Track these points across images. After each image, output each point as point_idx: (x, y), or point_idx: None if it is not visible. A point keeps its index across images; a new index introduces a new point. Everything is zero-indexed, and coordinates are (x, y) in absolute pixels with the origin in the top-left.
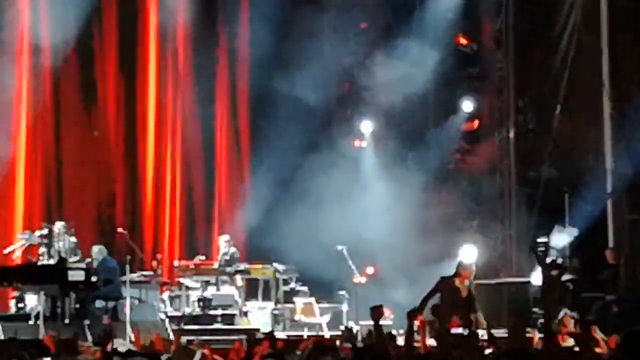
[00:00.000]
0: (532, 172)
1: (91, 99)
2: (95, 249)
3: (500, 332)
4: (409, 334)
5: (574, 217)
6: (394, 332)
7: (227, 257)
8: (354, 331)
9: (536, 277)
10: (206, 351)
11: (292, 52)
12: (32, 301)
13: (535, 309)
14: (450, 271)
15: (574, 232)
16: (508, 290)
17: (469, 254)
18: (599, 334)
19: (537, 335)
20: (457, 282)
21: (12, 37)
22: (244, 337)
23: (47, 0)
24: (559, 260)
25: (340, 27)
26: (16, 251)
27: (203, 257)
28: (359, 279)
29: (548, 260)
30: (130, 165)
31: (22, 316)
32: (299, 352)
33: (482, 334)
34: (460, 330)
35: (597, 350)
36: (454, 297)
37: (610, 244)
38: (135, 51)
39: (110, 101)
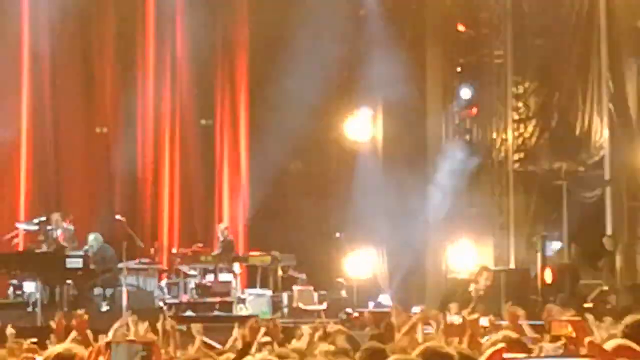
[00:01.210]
0: (531, 160)
1: (90, 87)
2: (91, 236)
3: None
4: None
5: (571, 206)
6: (393, 320)
7: (225, 245)
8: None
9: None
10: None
11: (292, 41)
12: (30, 288)
13: (534, 297)
14: (448, 260)
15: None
16: (506, 279)
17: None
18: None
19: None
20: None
21: (12, 27)
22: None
23: None
24: None
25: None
26: (15, 239)
27: (201, 245)
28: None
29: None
30: (129, 153)
31: (20, 304)
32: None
33: (483, 321)
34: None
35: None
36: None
37: (609, 231)
38: (135, 40)
39: (108, 90)
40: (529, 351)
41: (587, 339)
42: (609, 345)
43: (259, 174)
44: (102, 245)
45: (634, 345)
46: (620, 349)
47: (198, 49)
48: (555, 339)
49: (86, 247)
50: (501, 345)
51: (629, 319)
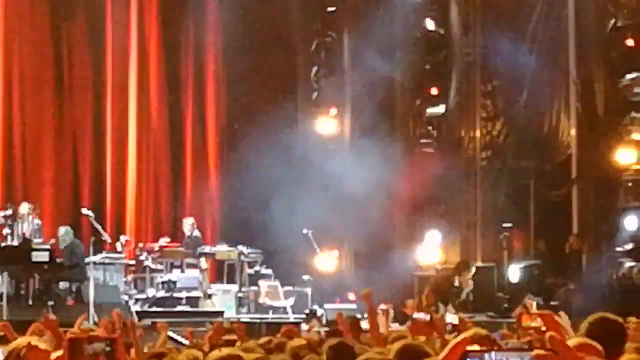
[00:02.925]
0: (499, 159)
1: (58, 82)
2: (62, 230)
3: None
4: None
5: (538, 204)
6: (358, 315)
7: (192, 240)
8: (319, 314)
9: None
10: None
11: (261, 34)
12: None
13: (500, 294)
14: (416, 256)
15: None
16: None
17: (434, 239)
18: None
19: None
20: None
21: None
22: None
23: None
24: None
25: (308, 9)
26: None
27: (168, 240)
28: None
29: None
30: (96, 147)
31: None
32: None
33: (452, 319)
34: (422, 315)
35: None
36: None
37: (575, 230)
38: (104, 31)
39: (76, 83)
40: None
41: (548, 334)
42: (571, 343)
43: (227, 170)
44: (73, 240)
45: (595, 343)
46: (582, 346)
47: (166, 43)
48: (525, 331)
49: (53, 241)
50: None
51: (592, 317)
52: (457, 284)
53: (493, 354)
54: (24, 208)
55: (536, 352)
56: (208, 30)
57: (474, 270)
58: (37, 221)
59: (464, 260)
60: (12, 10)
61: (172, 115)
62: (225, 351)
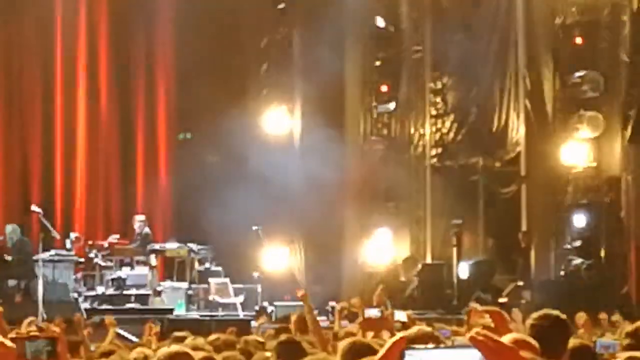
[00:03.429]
0: (448, 155)
1: (7, 77)
2: (9, 227)
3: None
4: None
5: (487, 201)
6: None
7: (142, 237)
8: (268, 311)
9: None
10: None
11: (211, 31)
12: None
13: (449, 291)
14: (365, 253)
15: None
16: (422, 273)
17: (383, 236)
18: (518, 318)
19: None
20: None
21: None
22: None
23: None
24: None
25: (258, 5)
26: None
27: (117, 237)
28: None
29: None
30: (45, 143)
31: None
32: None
33: (401, 316)
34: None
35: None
36: None
37: (524, 227)
38: (53, 27)
39: (25, 78)
40: (441, 344)
41: (474, 329)
42: (506, 339)
43: (177, 166)
44: (20, 238)
45: (529, 339)
46: (517, 342)
47: (116, 39)
48: (470, 329)
49: (1, 237)
50: (401, 334)
51: (536, 314)
52: (402, 279)
53: (431, 350)
54: None
55: (471, 332)
56: (158, 27)
57: (419, 266)
58: None
59: (411, 256)
60: None
61: (122, 111)
62: (174, 348)
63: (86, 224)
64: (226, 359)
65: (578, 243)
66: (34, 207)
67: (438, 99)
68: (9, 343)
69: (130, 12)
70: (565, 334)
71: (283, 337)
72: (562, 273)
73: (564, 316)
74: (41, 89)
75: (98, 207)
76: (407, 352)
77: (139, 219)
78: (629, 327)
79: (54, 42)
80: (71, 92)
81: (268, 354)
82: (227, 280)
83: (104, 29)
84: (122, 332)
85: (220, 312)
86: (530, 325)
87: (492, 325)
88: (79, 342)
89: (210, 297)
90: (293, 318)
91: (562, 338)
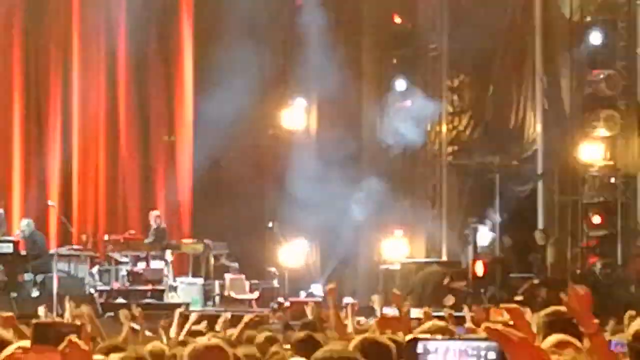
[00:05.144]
0: (464, 153)
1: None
2: (24, 222)
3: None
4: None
5: (504, 200)
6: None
7: (158, 233)
8: (284, 307)
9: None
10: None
11: (232, 28)
12: None
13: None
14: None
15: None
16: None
17: (399, 233)
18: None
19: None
20: None
21: None
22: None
23: None
24: None
25: (277, 4)
26: None
27: (133, 232)
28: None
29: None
30: (64, 139)
31: None
32: None
33: (417, 313)
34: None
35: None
36: None
37: (540, 225)
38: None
39: (42, 76)
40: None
41: (483, 324)
42: (549, 341)
43: (193, 162)
44: (33, 232)
45: (573, 339)
46: (560, 343)
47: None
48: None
49: (17, 232)
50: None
51: (546, 310)
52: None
53: (442, 341)
54: None
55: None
56: (179, 26)
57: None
58: (1, 211)
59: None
60: None
61: (141, 107)
62: (208, 341)
63: (102, 219)
64: (244, 354)
65: (594, 242)
66: (50, 202)
67: (455, 97)
68: (84, 346)
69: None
70: (576, 330)
71: (301, 333)
72: (577, 272)
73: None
74: (60, 84)
75: (114, 202)
76: (419, 343)
77: (154, 214)
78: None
79: (71, 35)
80: (91, 87)
81: (287, 346)
82: (242, 276)
83: (123, 25)
84: (136, 326)
85: (235, 308)
86: (542, 322)
87: (511, 322)
88: (93, 336)
89: (226, 293)
90: (311, 313)
91: (572, 334)
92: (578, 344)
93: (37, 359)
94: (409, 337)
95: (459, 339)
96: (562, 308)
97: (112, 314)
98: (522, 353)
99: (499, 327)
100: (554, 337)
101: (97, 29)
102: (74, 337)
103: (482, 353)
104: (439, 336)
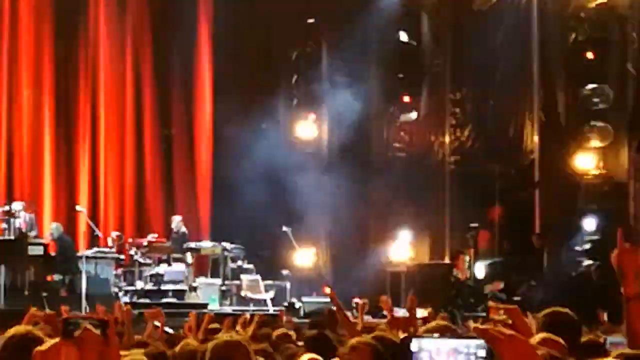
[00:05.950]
0: (466, 162)
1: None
2: (53, 225)
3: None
4: (342, 313)
5: (503, 205)
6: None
7: (179, 236)
8: (297, 307)
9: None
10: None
11: (247, 45)
12: None
13: (466, 289)
14: (388, 253)
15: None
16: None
17: (405, 237)
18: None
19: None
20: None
21: None
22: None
23: None
24: None
25: (290, 22)
26: None
27: (156, 236)
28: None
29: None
30: (92, 147)
31: None
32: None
33: (422, 313)
34: (402, 311)
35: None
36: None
37: (537, 229)
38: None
39: (72, 83)
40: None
41: (472, 326)
42: (534, 339)
43: (213, 173)
44: (60, 235)
45: (557, 338)
46: (545, 341)
47: (158, 49)
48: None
49: (47, 235)
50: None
51: (545, 311)
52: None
53: (437, 339)
54: (20, 204)
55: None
56: (197, 44)
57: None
58: (32, 215)
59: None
60: None
61: (163, 116)
62: (235, 336)
63: (127, 223)
64: (257, 351)
65: (588, 246)
66: (78, 207)
67: (457, 110)
68: (38, 333)
69: (172, 32)
70: (575, 330)
71: (313, 331)
72: (572, 273)
73: (572, 313)
74: (89, 92)
75: (139, 207)
76: (415, 340)
77: (176, 219)
78: None
79: (99, 44)
80: (117, 96)
81: (300, 343)
82: (258, 277)
83: (148, 43)
84: (158, 325)
85: (251, 307)
86: (541, 322)
87: (510, 321)
88: (121, 332)
89: (243, 293)
90: (323, 313)
91: (571, 334)
92: (562, 342)
93: (60, 354)
94: (402, 335)
95: (451, 337)
96: (561, 309)
97: (135, 312)
98: (511, 349)
99: (489, 326)
100: (539, 336)
101: (123, 44)
102: (96, 330)
103: (472, 351)
104: (435, 334)
